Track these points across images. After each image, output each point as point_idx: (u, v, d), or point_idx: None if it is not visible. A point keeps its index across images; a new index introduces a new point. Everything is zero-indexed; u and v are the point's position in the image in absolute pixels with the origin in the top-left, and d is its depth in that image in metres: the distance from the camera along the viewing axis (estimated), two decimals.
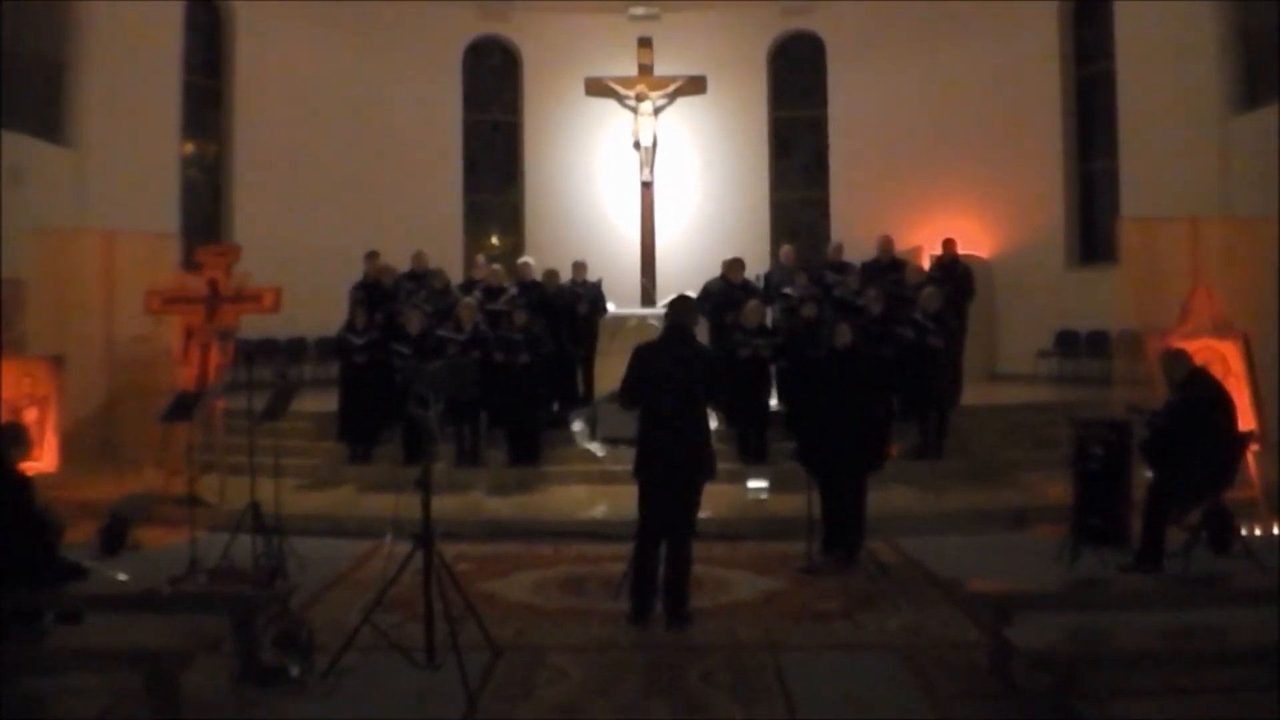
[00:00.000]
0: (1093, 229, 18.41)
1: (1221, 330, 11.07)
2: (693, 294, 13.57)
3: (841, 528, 9.03)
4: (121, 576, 7.30)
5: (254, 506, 8.67)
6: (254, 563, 8.36)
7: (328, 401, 13.66)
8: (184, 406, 9.34)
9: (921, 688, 6.08)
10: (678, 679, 6.32)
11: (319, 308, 15.56)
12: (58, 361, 11.83)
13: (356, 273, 14.57)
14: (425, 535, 6.47)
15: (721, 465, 11.66)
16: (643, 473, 7.55)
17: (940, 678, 6.22)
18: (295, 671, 6.17)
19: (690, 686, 6.19)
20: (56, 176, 15.11)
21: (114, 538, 9.66)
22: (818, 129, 21.91)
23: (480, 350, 12.36)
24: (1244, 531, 9.25)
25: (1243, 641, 5.65)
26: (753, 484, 11.69)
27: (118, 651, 5.48)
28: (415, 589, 6.85)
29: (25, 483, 6.65)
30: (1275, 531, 9.90)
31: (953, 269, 13.99)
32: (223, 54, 19.40)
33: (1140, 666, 5.59)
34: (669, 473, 7.45)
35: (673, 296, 8.25)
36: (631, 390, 7.60)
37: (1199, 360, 9.85)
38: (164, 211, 17.29)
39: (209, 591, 7.56)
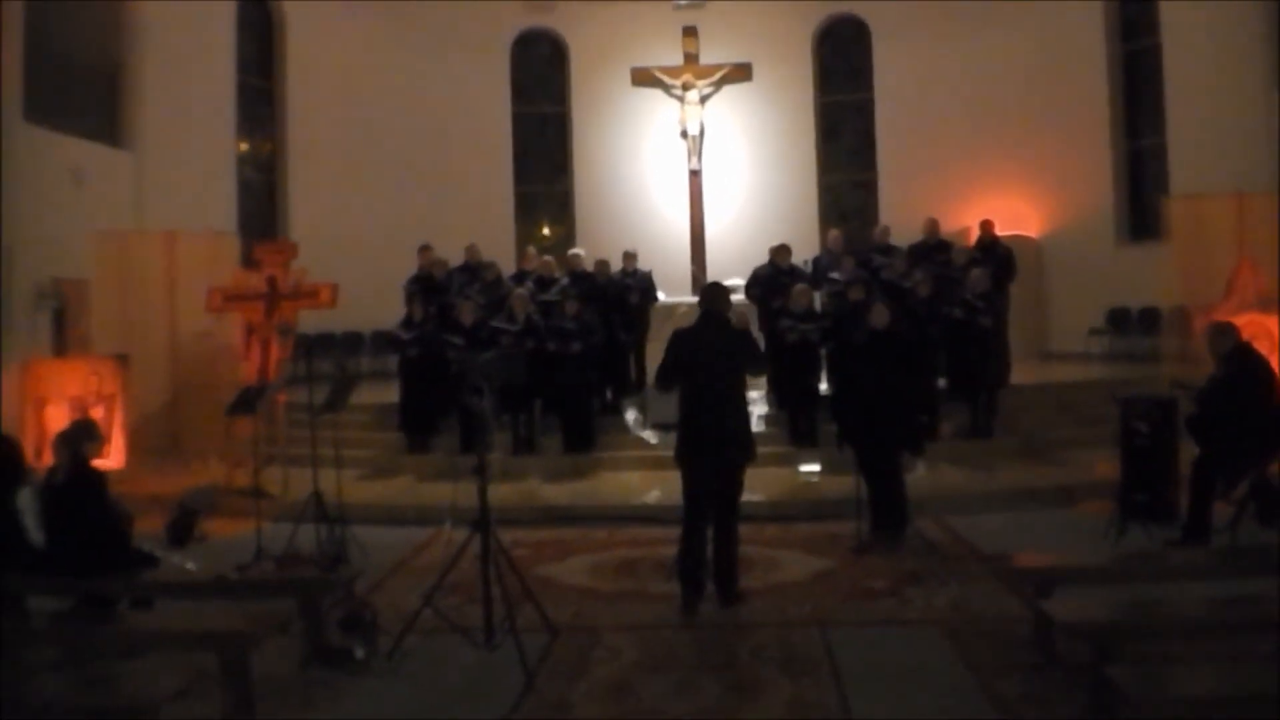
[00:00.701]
0: (1142, 206, 18.33)
1: (1266, 304, 11.11)
2: (739, 280, 13.89)
3: (886, 507, 9.18)
4: (190, 565, 7.58)
5: (317, 496, 8.96)
6: (318, 549, 8.64)
7: (384, 394, 13.94)
8: (248, 400, 9.63)
9: (964, 661, 6.25)
10: (728, 656, 6.54)
11: (374, 301, 15.88)
12: (123, 360, 12.18)
13: (410, 266, 14.82)
14: (483, 521, 6.70)
15: (772, 448, 12.06)
16: (684, 457, 7.69)
17: (983, 651, 6.38)
18: (360, 653, 6.43)
19: (740, 663, 6.39)
20: (115, 178, 15.44)
21: (182, 529, 9.96)
22: (864, 112, 21.90)
23: (534, 340, 12.57)
24: None
25: None
26: (804, 467, 11.87)
27: (193, 634, 5.77)
28: (474, 574, 7.13)
29: (100, 476, 6.97)
30: None
31: (993, 250, 14.04)
32: (274, 53, 19.75)
33: (1179, 636, 5.71)
34: (710, 456, 7.58)
35: (706, 284, 8.39)
36: (666, 373, 7.78)
37: (1244, 335, 9.91)
38: (221, 210, 17.61)
39: (276, 577, 7.85)
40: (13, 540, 6.76)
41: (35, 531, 6.82)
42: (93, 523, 6.83)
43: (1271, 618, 5.57)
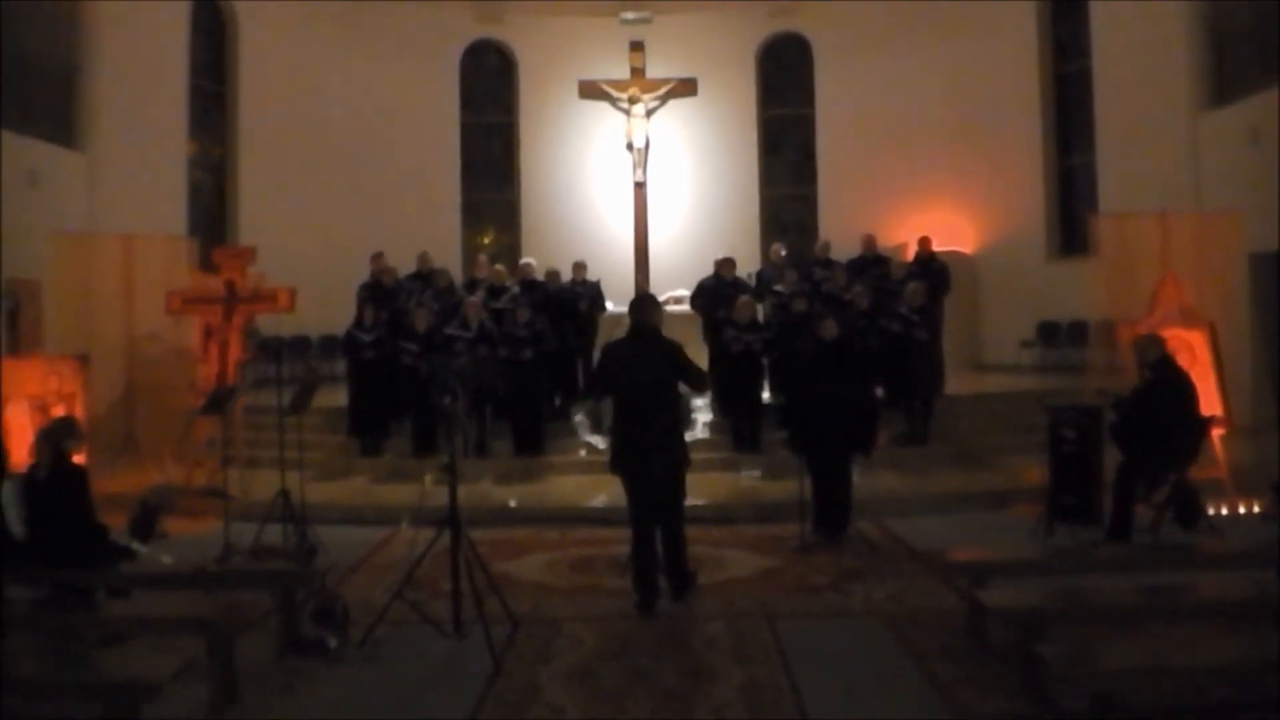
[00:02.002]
0: (1073, 222, 18.94)
1: (1189, 319, 11.66)
2: (684, 291, 14.32)
3: (831, 509, 9.63)
4: (166, 559, 7.86)
5: (284, 494, 9.27)
6: (292, 544, 8.97)
7: (334, 398, 14.13)
8: (219, 401, 9.90)
9: (903, 649, 6.70)
10: (683, 644, 6.95)
11: (323, 306, 16.05)
12: (83, 360, 12.33)
13: (358, 271, 15.12)
14: (453, 517, 7.06)
15: (716, 454, 12.51)
16: (619, 467, 7.94)
17: (921, 640, 6.83)
18: (333, 643, 6.76)
19: (695, 650, 6.81)
20: (69, 179, 15.56)
21: (144, 526, 10.12)
22: (806, 127, 22.49)
23: (486, 346, 12.91)
24: (1210, 510, 9.86)
25: (1198, 596, 6.36)
26: (746, 473, 12.36)
27: (183, 619, 6.08)
28: (436, 569, 7.58)
29: (80, 472, 7.26)
30: (1240, 510, 10.49)
31: (930, 265, 14.56)
32: (226, 57, 19.92)
33: (1101, 620, 6.19)
34: (643, 464, 7.78)
35: (634, 297, 8.58)
36: (598, 383, 8.20)
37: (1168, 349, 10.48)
38: (172, 212, 17.80)
39: (254, 569, 8.17)
40: None
41: (16, 524, 7.09)
42: (73, 516, 7.12)
43: (1183, 604, 6.10)
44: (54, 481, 7.11)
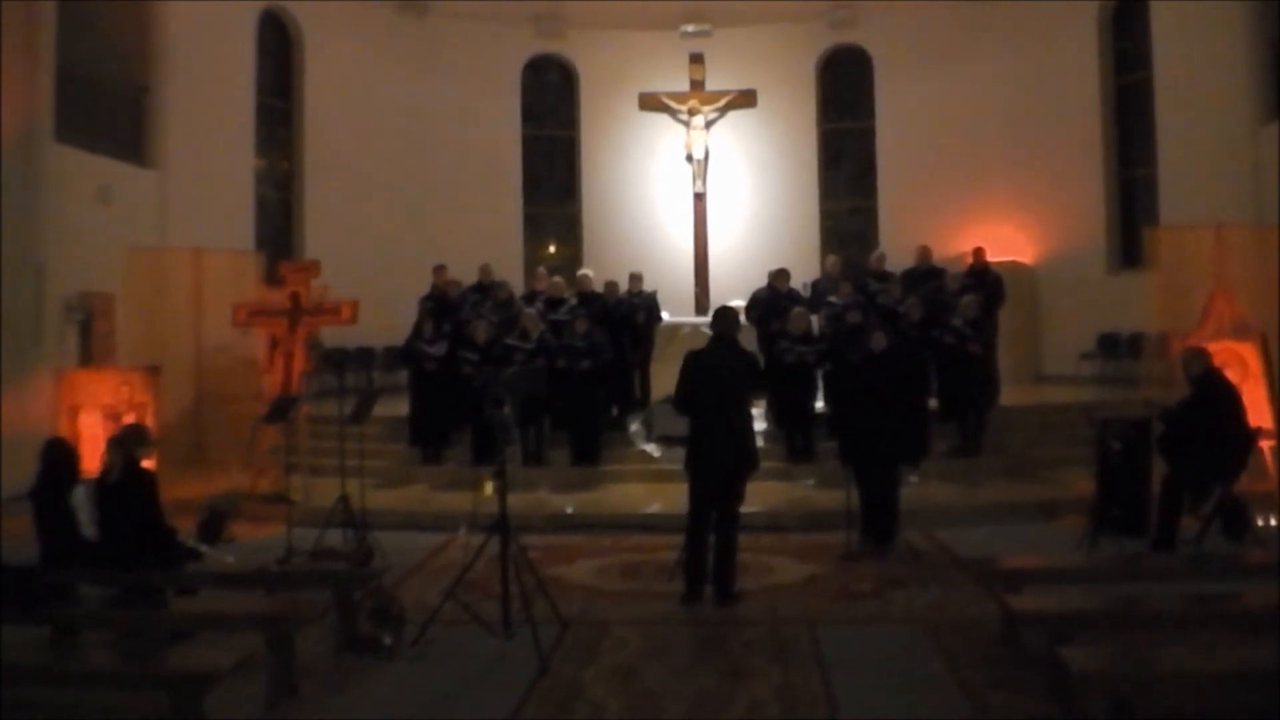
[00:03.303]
0: (1133, 235, 18.77)
1: (1240, 332, 11.68)
2: (739, 302, 14.49)
3: (878, 518, 9.78)
4: (230, 559, 8.19)
5: (344, 499, 9.59)
6: (351, 546, 9.28)
7: (395, 408, 14.41)
8: (282, 410, 10.25)
9: (940, 654, 6.84)
10: (723, 647, 7.15)
11: (386, 317, 16.39)
12: (154, 371, 12.75)
13: (421, 283, 15.44)
14: (503, 522, 7.31)
15: (769, 464, 12.60)
16: (693, 467, 8.34)
17: (957, 646, 6.97)
18: (388, 641, 7.03)
19: (735, 653, 7.00)
20: (140, 196, 16.01)
21: (211, 530, 10.52)
22: (865, 140, 22.56)
23: (545, 357, 13.15)
24: (1260, 522, 9.90)
25: (1232, 605, 6.46)
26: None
27: (244, 615, 6.37)
28: (489, 573, 7.91)
29: (150, 477, 7.59)
30: None
31: (984, 276, 14.63)
32: (292, 74, 20.39)
33: (1132, 626, 6.32)
34: (717, 467, 8.24)
35: (717, 308, 9.01)
36: (685, 396, 8.41)
37: (1218, 361, 10.51)
38: (240, 227, 18.28)
39: (313, 569, 8.49)
40: (68, 535, 7.39)
41: (88, 527, 7.44)
42: (143, 519, 7.45)
43: (1218, 612, 6.21)
44: (125, 485, 7.44)
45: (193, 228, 16.01)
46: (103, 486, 7.49)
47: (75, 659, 6.27)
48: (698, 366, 8.43)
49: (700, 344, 9.01)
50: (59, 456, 7.70)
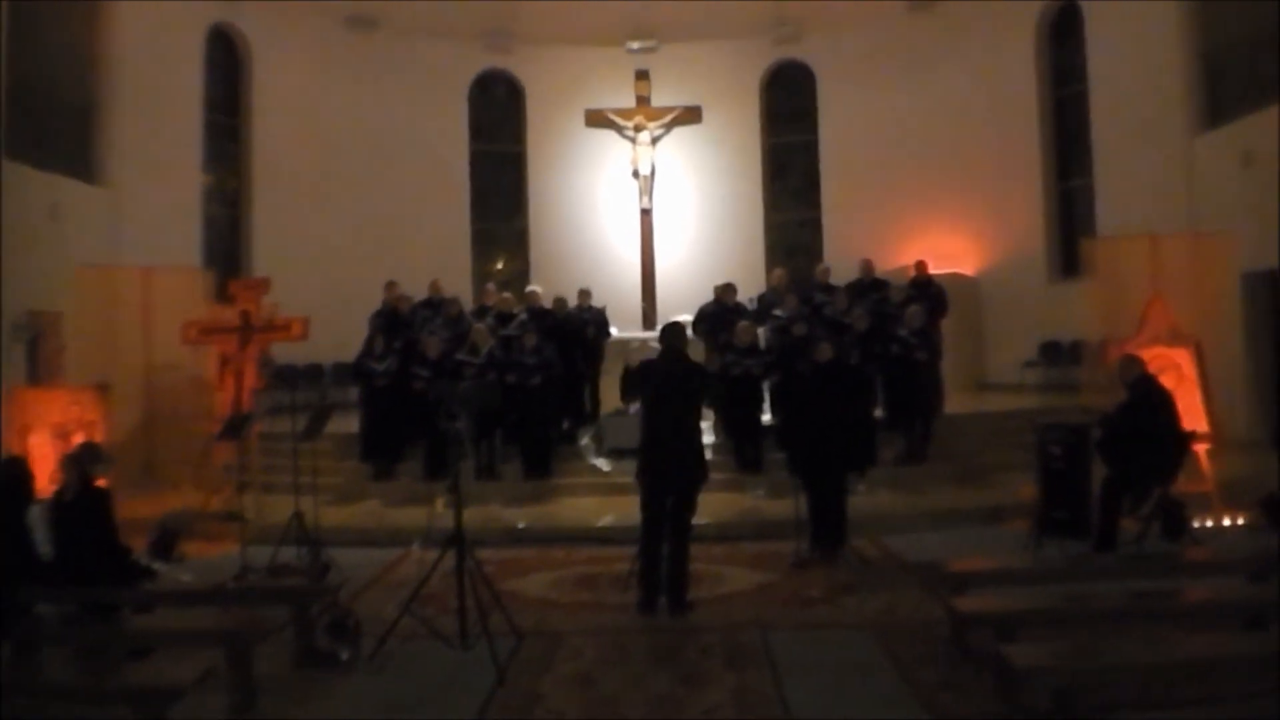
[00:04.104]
0: (1072, 245, 19.15)
1: (1176, 338, 11.96)
2: (686, 316, 14.65)
3: (827, 526, 9.96)
4: (186, 577, 8.24)
5: (298, 515, 9.64)
6: (307, 562, 9.35)
7: (346, 424, 14.42)
8: (236, 427, 10.28)
9: (889, 656, 7.00)
10: (678, 654, 7.28)
11: (335, 334, 16.36)
12: (103, 389, 12.73)
13: (370, 299, 15.48)
14: (458, 535, 7.40)
15: (719, 475, 12.75)
16: (644, 478, 8.46)
17: (906, 648, 7.14)
18: (345, 655, 7.10)
19: (689, 659, 7.13)
20: (89, 213, 15.95)
21: (163, 548, 10.52)
22: (809, 154, 22.89)
23: (495, 372, 13.24)
24: (1197, 522, 10.17)
25: (1170, 601, 6.72)
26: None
27: (204, 631, 6.44)
28: (444, 587, 8.00)
29: (105, 495, 7.62)
30: (1226, 522, 10.79)
31: (926, 288, 14.88)
32: (240, 91, 20.39)
33: (1073, 622, 6.53)
34: (668, 478, 8.38)
35: (665, 323, 9.16)
36: (630, 388, 8.69)
37: (1154, 367, 10.82)
38: (188, 245, 18.28)
39: (270, 585, 8.55)
40: (24, 553, 7.41)
41: (44, 545, 7.47)
42: (99, 537, 7.49)
43: (1155, 608, 6.44)
44: (80, 504, 7.48)
45: (141, 245, 16.01)
46: (58, 505, 7.53)
47: (35, 675, 6.29)
48: (647, 374, 8.57)
49: (650, 358, 9.14)
50: (15, 475, 7.71)
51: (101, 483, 8.04)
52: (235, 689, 6.14)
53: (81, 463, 7.65)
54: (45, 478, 9.68)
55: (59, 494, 7.62)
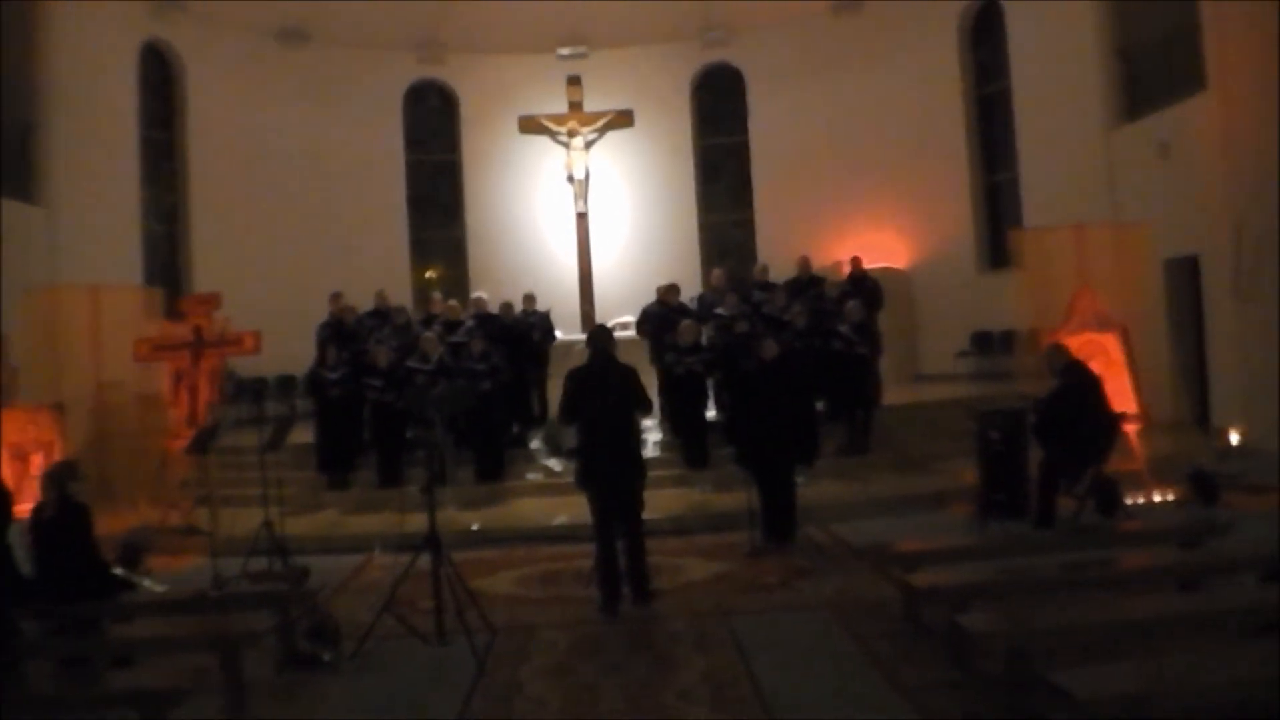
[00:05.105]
0: (1000, 236, 19.59)
1: (1103, 324, 12.45)
2: (629, 318, 14.98)
3: (778, 516, 10.34)
4: (160, 588, 8.46)
5: (268, 524, 9.88)
6: (283, 568, 9.62)
7: (300, 436, 14.46)
8: (203, 441, 10.47)
9: (848, 634, 7.42)
10: (648, 641, 7.66)
11: (278, 346, 16.36)
12: (59, 409, 12.82)
13: (312, 311, 15.71)
14: (432, 535, 7.70)
15: (667, 472, 13.17)
16: (586, 482, 8.76)
17: (864, 625, 7.56)
18: (327, 657, 7.37)
19: (659, 646, 7.51)
20: (31, 234, 15.87)
21: (129, 564, 10.64)
22: (741, 154, 23.27)
23: (445, 379, 13.48)
24: (1130, 499, 10.67)
25: (1105, 570, 7.16)
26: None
27: (194, 638, 6.67)
28: (414, 589, 8.33)
29: (85, 510, 7.81)
30: (1156, 498, 11.31)
31: (862, 282, 15.31)
32: (174, 106, 20.37)
33: (1019, 592, 6.96)
34: (608, 478, 8.63)
35: (592, 328, 9.47)
36: (568, 408, 8.85)
37: (1083, 353, 11.33)
38: (128, 262, 18.24)
39: (252, 591, 8.79)
40: (5, 571, 7.58)
41: (23, 563, 7.65)
42: (79, 552, 7.68)
43: (1091, 576, 6.89)
44: (60, 520, 7.66)
45: (83, 264, 15.97)
46: (38, 523, 7.71)
47: (22, 687, 6.49)
48: (578, 382, 8.83)
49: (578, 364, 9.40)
50: None
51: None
52: (227, 692, 6.38)
53: (60, 479, 7.83)
54: None
55: (38, 511, 7.80)
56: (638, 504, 8.74)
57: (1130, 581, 7.16)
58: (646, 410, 9.21)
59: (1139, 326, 13.03)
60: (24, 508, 8.58)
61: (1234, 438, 13.15)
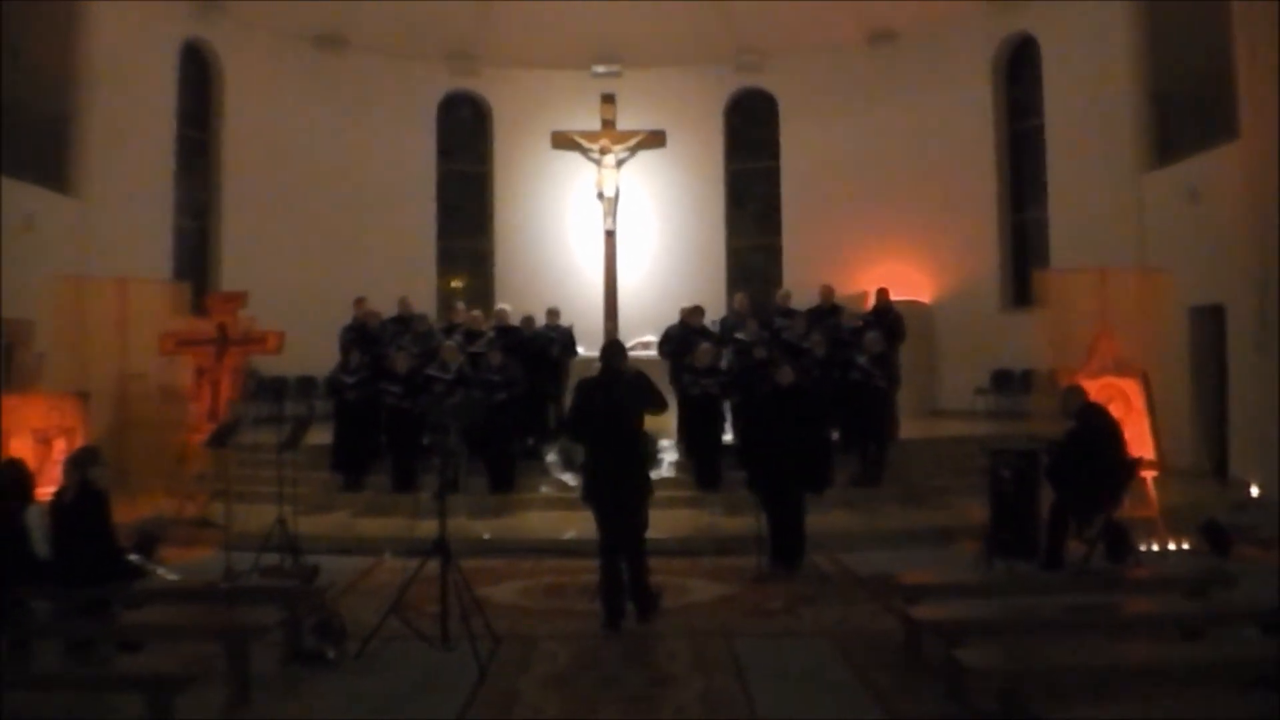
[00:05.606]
0: (1025, 275, 19.63)
1: (1123, 369, 12.46)
2: (652, 337, 15.04)
3: (785, 542, 10.39)
4: (172, 577, 8.57)
5: (282, 521, 10.00)
6: (293, 565, 9.74)
7: (316, 436, 14.59)
8: (223, 435, 10.60)
9: (846, 661, 7.48)
10: (648, 657, 7.73)
11: (301, 347, 16.57)
12: (83, 397, 12.98)
13: (335, 314, 15.90)
14: (442, 542, 7.79)
15: (680, 493, 13.21)
16: (591, 497, 8.80)
17: (863, 655, 7.61)
18: (332, 654, 7.46)
19: (659, 662, 7.58)
20: (62, 224, 16.10)
21: (143, 552, 10.75)
22: (770, 180, 23.33)
23: (463, 388, 13.57)
24: (1142, 546, 10.68)
25: (1107, 613, 7.19)
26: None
27: (202, 627, 6.77)
28: (421, 593, 8.40)
29: (104, 497, 7.94)
30: (1170, 546, 11.29)
31: (885, 314, 15.35)
32: (211, 106, 20.60)
33: (1018, 630, 6.99)
34: (613, 494, 8.66)
35: (605, 343, 9.51)
36: (575, 424, 8.95)
37: (1102, 396, 11.38)
38: (158, 257, 18.47)
39: (262, 585, 8.91)
40: (20, 553, 7.71)
41: (41, 545, 7.77)
42: (96, 537, 7.80)
43: (1094, 619, 6.91)
44: (79, 505, 7.79)
45: (113, 257, 16.11)
46: (58, 506, 7.83)
47: (31, 667, 6.59)
48: (587, 395, 8.88)
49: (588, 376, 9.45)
50: (15, 477, 8.03)
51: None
52: (234, 682, 6.47)
53: (82, 465, 7.96)
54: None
55: (58, 495, 7.93)
56: (641, 522, 8.77)
57: (1132, 627, 7.18)
58: (660, 407, 9.16)
59: (1160, 372, 13.02)
60: (45, 491, 8.73)
61: (1254, 490, 13.10)
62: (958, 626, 6.66)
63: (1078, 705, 5.94)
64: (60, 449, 12.02)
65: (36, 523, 7.78)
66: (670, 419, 14.28)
